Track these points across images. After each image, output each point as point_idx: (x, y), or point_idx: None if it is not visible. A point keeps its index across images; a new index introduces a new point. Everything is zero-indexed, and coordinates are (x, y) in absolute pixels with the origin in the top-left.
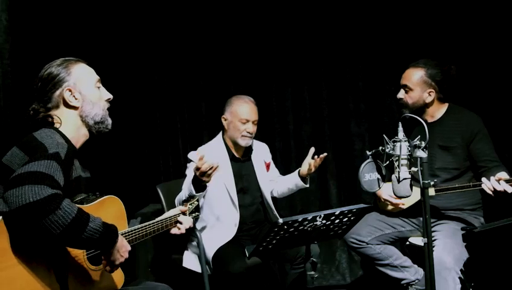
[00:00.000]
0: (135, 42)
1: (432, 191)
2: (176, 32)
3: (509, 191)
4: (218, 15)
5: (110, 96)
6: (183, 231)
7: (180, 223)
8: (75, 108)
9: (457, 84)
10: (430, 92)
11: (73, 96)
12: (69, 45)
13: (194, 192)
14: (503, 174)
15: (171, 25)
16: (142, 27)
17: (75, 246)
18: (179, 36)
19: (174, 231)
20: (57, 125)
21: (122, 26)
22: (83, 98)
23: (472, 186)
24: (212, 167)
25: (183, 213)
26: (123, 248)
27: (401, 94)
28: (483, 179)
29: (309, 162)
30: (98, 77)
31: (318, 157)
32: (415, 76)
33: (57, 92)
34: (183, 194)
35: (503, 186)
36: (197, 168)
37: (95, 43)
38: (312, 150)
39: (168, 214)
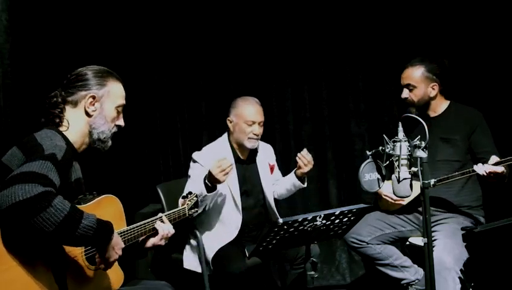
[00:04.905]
0: (135, 42)
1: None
2: (176, 32)
3: (499, 171)
4: (218, 15)
5: (123, 124)
6: (162, 243)
7: (157, 230)
8: (88, 115)
9: (457, 79)
10: (433, 86)
11: (93, 104)
12: (69, 45)
13: (205, 192)
14: (495, 158)
15: (171, 25)
16: (142, 27)
17: (70, 243)
18: (178, 36)
19: (152, 241)
20: (63, 128)
21: (122, 26)
22: (100, 111)
23: (471, 171)
24: (230, 165)
25: (161, 220)
26: (118, 245)
27: (406, 94)
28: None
29: (297, 161)
30: (123, 103)
31: (300, 154)
32: (416, 74)
33: (83, 93)
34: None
35: (492, 168)
36: (218, 166)
37: (95, 43)
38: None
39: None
